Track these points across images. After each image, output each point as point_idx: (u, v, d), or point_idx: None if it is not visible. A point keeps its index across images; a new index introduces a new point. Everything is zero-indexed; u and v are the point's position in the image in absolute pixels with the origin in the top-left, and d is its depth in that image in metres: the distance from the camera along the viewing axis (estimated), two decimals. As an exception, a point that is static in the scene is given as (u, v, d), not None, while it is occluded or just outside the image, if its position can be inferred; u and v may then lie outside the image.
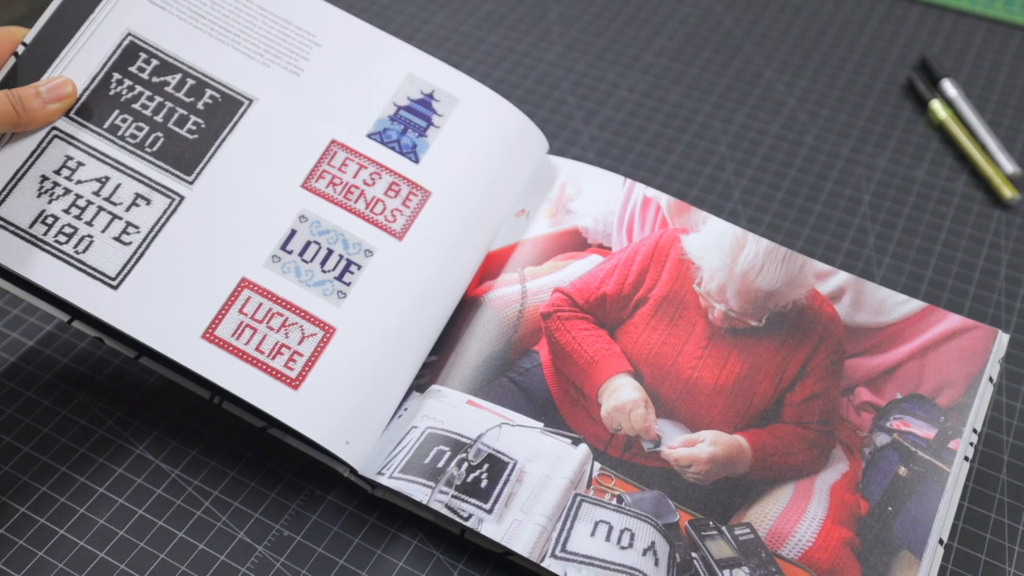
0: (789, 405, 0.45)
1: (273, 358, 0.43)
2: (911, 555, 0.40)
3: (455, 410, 0.45)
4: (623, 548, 0.40)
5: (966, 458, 0.43)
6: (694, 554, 0.40)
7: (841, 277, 0.49)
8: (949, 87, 0.66)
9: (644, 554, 0.40)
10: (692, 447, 0.44)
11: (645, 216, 0.51)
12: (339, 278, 0.45)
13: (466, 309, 0.48)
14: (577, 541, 0.40)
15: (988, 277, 0.57)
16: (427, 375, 0.47)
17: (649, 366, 0.46)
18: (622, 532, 0.40)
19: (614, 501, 0.42)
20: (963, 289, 0.56)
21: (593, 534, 0.41)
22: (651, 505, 0.42)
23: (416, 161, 0.48)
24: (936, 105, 0.65)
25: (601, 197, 0.52)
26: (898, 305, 0.48)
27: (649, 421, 0.45)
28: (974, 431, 0.44)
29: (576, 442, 0.44)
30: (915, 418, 0.44)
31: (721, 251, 0.50)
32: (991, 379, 0.45)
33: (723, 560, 0.40)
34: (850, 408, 0.45)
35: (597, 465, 0.43)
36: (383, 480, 0.42)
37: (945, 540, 0.41)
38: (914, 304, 0.48)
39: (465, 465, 0.43)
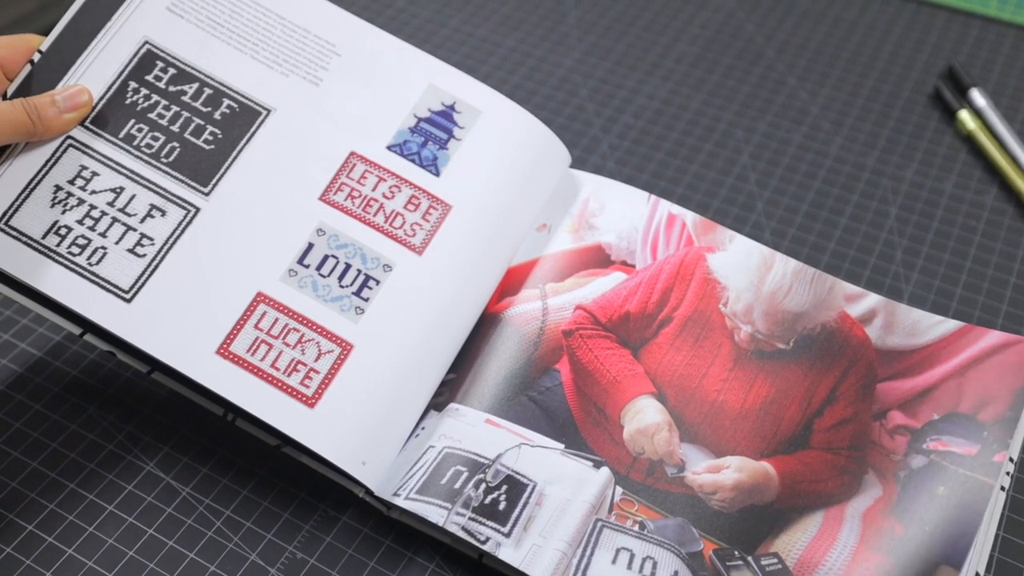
0: (818, 431, 0.44)
1: (289, 375, 0.42)
2: (951, 570, 0.39)
3: (473, 429, 0.44)
4: None
5: (1002, 488, 0.42)
6: None
7: (872, 300, 0.48)
8: (977, 97, 0.65)
9: None
10: (717, 473, 0.43)
11: (670, 234, 0.50)
12: (357, 293, 0.44)
13: (486, 326, 0.47)
14: (598, 569, 0.39)
15: (1020, 294, 0.55)
16: (445, 393, 0.46)
17: (673, 388, 0.45)
18: (644, 560, 0.39)
19: (636, 528, 0.41)
20: (994, 307, 0.54)
21: (614, 562, 0.39)
22: (674, 533, 0.41)
23: (436, 174, 0.47)
24: (964, 115, 0.64)
25: (625, 213, 0.51)
26: (932, 327, 0.47)
27: (673, 445, 0.43)
28: (1011, 460, 0.43)
29: (598, 465, 0.43)
30: (954, 436, 0.42)
31: (748, 271, 0.49)
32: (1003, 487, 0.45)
33: None
34: (883, 432, 0.44)
35: (619, 489, 0.42)
36: (399, 501, 0.41)
37: (981, 573, 0.40)
38: (950, 324, 0.47)
39: (483, 486, 0.42)
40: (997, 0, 0.74)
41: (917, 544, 0.40)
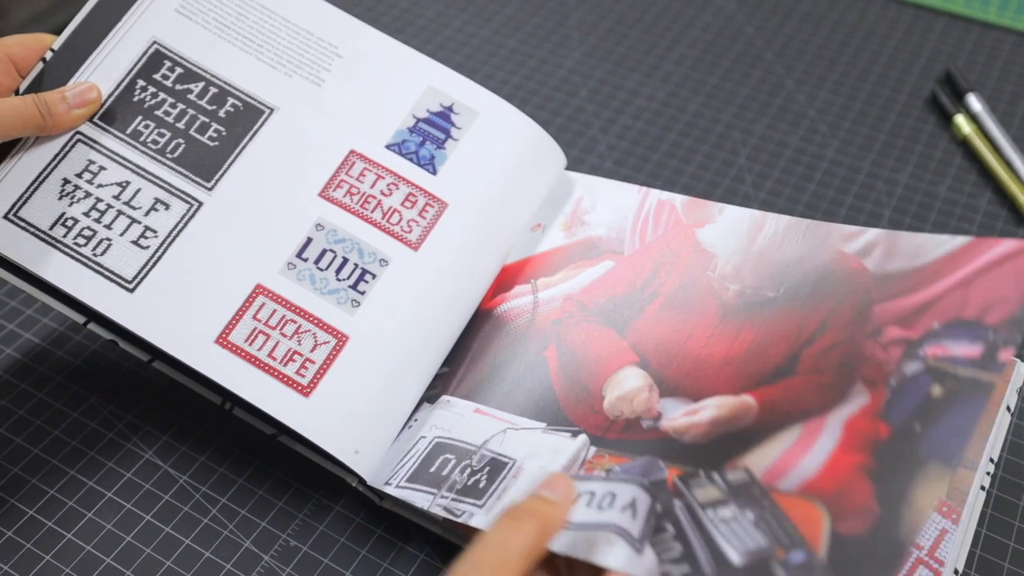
0: (805, 359, 0.41)
1: (285, 365, 0.43)
2: (941, 465, 0.35)
3: (462, 419, 0.45)
4: (602, 509, 0.37)
5: (983, 487, 0.43)
6: (677, 501, 0.37)
7: (872, 233, 0.43)
8: (974, 102, 0.66)
9: (623, 511, 0.36)
10: (693, 415, 0.41)
11: (659, 218, 0.49)
12: (354, 287, 0.45)
13: (479, 321, 0.48)
14: None
15: (1009, 298, 0.56)
16: (438, 387, 0.46)
17: (656, 354, 0.44)
18: (604, 496, 0.37)
19: (603, 474, 0.40)
20: (983, 310, 0.55)
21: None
22: (640, 468, 0.40)
23: (434, 173, 0.48)
24: (960, 120, 0.65)
25: (615, 206, 0.51)
26: (938, 245, 0.42)
27: (652, 403, 0.43)
28: (991, 460, 0.43)
29: (575, 434, 0.43)
30: (955, 340, 0.38)
31: (738, 236, 0.46)
32: (1009, 408, 0.45)
33: (708, 502, 0.37)
34: (876, 347, 0.39)
35: (593, 449, 0.42)
36: (389, 490, 0.42)
37: (961, 570, 0.41)
38: (957, 241, 0.41)
39: (468, 471, 0.42)
40: (997, 6, 0.75)
41: (904, 444, 0.36)
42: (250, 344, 0.43)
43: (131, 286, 0.44)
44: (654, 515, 0.37)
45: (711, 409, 0.41)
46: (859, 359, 0.40)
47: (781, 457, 0.37)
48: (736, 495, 0.37)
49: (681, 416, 0.42)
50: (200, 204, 0.45)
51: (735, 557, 0.34)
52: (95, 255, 0.44)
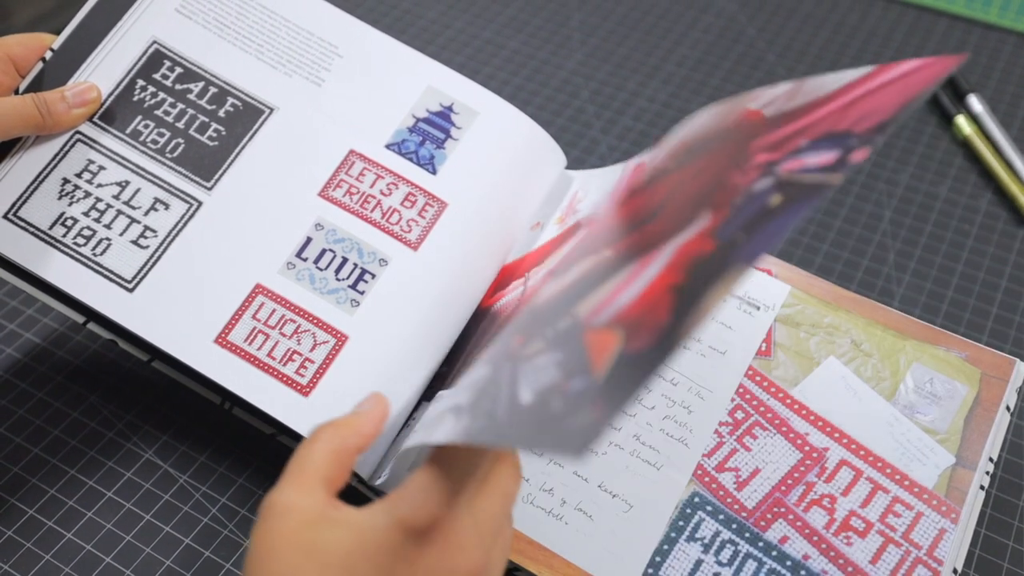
0: (668, 202, 0.37)
1: (284, 364, 0.43)
2: (742, 266, 0.30)
3: None
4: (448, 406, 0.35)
5: (982, 487, 0.43)
6: (508, 364, 0.34)
7: (780, 87, 0.39)
8: (975, 103, 0.65)
9: (463, 390, 0.35)
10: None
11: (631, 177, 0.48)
12: (353, 286, 0.45)
13: (478, 320, 0.48)
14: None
15: (1011, 298, 0.56)
16: (437, 386, 0.46)
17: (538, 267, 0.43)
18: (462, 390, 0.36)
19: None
20: (985, 310, 0.55)
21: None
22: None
23: (433, 172, 0.48)
24: (961, 121, 0.64)
25: (603, 187, 0.51)
26: (842, 77, 0.37)
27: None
28: (991, 460, 0.43)
29: None
30: (815, 152, 0.33)
31: (673, 135, 0.42)
32: (1009, 408, 0.45)
33: (532, 354, 0.33)
34: (737, 174, 0.35)
35: None
36: (378, 483, 0.42)
37: (960, 569, 0.41)
38: (862, 70, 0.37)
39: None
40: (998, 7, 0.75)
41: (722, 255, 0.31)
42: (249, 344, 0.43)
43: (131, 286, 0.44)
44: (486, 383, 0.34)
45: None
46: (717, 187, 0.35)
47: (607, 295, 0.34)
48: (557, 343, 0.34)
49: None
50: (200, 204, 0.45)
51: (527, 397, 0.31)
52: (95, 255, 0.44)
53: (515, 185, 0.50)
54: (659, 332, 0.30)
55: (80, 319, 0.45)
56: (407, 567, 0.29)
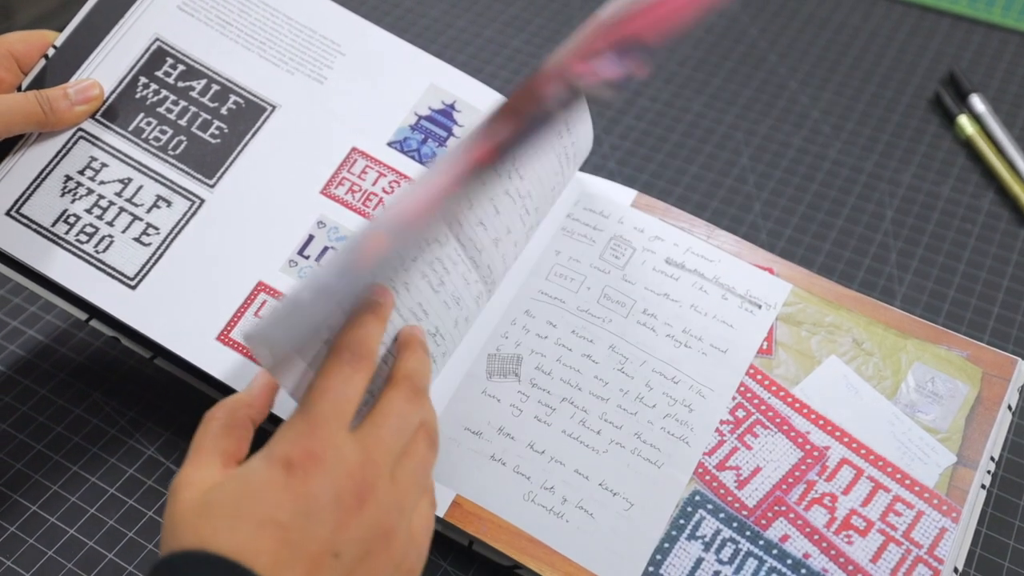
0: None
1: (287, 363, 0.43)
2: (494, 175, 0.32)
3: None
4: None
5: (983, 486, 0.43)
6: None
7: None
8: (977, 102, 0.65)
9: None
10: None
11: None
12: (355, 284, 0.45)
13: (480, 318, 0.48)
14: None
15: (1013, 298, 0.56)
16: (440, 384, 0.47)
17: None
18: None
19: None
20: (986, 309, 0.55)
21: None
22: None
23: (434, 169, 0.48)
24: (963, 120, 0.64)
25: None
26: None
27: None
28: (992, 459, 0.43)
29: None
30: (610, 63, 0.32)
31: None
32: (1010, 407, 0.45)
33: None
34: (543, 82, 0.33)
35: None
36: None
37: (960, 568, 0.41)
38: None
39: None
40: (1001, 7, 0.75)
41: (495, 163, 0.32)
42: (251, 341, 0.43)
43: (133, 283, 0.44)
44: None
45: None
46: (526, 97, 0.33)
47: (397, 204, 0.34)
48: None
49: None
50: (202, 201, 0.45)
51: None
52: (97, 252, 0.44)
53: (517, 183, 0.50)
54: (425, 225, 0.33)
55: (83, 316, 0.45)
56: (292, 497, 0.30)
